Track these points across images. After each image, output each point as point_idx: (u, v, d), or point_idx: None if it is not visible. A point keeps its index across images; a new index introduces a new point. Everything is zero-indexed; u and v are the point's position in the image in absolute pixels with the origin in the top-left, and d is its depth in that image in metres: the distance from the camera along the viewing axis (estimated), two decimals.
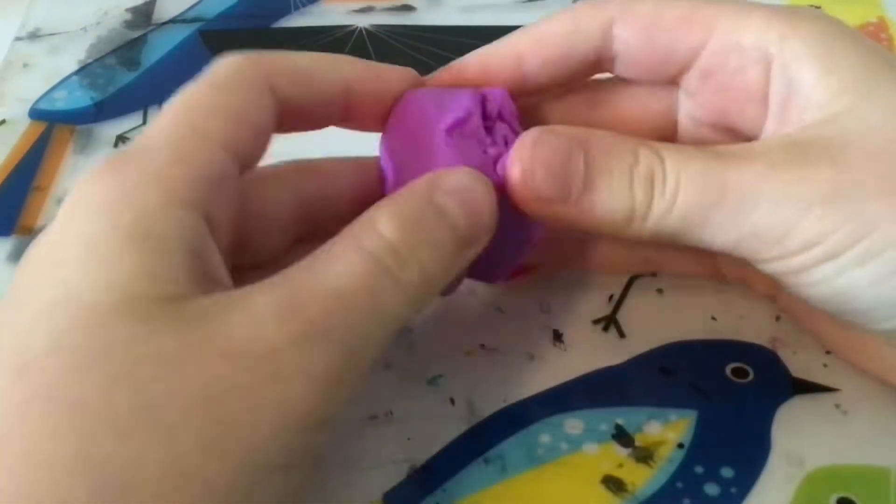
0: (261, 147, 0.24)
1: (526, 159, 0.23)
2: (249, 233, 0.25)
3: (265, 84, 0.23)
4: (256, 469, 0.18)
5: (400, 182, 0.24)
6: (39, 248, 0.20)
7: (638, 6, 0.25)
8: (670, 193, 0.23)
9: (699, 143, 0.27)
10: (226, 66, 0.23)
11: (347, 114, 0.26)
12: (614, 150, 0.23)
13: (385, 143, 0.26)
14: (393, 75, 0.26)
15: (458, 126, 0.24)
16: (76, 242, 0.20)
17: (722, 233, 0.23)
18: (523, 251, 0.27)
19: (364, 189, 0.27)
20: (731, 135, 0.26)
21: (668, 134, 0.28)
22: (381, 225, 0.21)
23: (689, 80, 0.26)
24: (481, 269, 0.24)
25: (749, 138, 0.26)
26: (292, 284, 0.20)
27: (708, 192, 0.22)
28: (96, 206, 0.20)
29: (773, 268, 0.23)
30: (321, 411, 0.20)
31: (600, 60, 0.26)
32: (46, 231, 0.21)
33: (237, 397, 0.18)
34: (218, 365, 0.18)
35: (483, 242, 0.23)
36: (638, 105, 0.28)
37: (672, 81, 0.26)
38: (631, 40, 0.25)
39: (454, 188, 0.22)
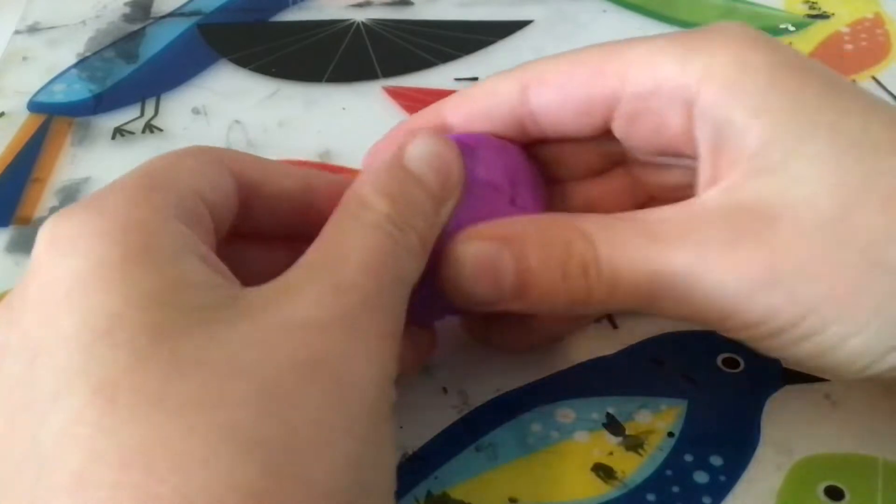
0: (226, 207, 0.23)
1: (452, 267, 0.24)
2: None
3: (223, 161, 0.23)
4: (374, 420, 0.19)
5: None
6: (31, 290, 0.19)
7: (550, 69, 0.26)
8: (607, 283, 0.23)
9: (646, 170, 0.27)
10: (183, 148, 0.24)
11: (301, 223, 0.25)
12: (544, 244, 0.23)
13: None
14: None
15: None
16: (94, 272, 0.19)
17: (668, 310, 0.23)
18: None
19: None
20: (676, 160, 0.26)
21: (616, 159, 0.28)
22: (375, 202, 0.23)
23: (617, 127, 0.26)
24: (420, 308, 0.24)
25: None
26: (327, 263, 0.21)
27: (644, 282, 0.23)
28: (93, 236, 0.19)
29: (729, 335, 0.24)
30: (394, 365, 0.21)
31: (522, 123, 0.27)
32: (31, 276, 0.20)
33: (334, 360, 0.19)
34: (303, 337, 0.19)
35: (455, 198, 0.24)
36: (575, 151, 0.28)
37: (601, 132, 0.26)
38: (547, 99, 0.26)
39: (421, 154, 0.24)
